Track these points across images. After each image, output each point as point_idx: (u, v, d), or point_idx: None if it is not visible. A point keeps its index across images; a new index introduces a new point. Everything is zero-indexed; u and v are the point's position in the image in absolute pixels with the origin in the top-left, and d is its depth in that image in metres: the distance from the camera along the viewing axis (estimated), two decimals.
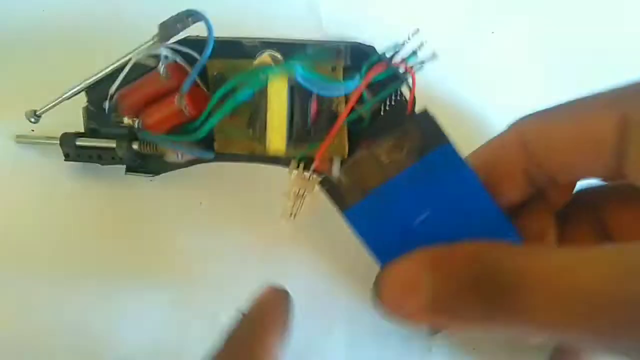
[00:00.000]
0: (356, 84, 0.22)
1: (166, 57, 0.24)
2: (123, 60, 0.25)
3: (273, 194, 0.26)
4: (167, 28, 0.24)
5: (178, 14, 0.24)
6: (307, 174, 0.26)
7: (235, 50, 0.25)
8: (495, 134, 0.25)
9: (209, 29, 0.23)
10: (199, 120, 0.25)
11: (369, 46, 0.23)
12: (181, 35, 0.24)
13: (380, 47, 0.23)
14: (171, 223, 0.30)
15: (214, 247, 0.30)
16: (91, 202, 0.30)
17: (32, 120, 0.28)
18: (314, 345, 0.28)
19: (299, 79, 0.21)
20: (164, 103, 0.24)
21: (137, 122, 0.24)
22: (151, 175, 0.28)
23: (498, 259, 0.20)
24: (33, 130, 0.30)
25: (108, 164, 0.28)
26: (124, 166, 0.29)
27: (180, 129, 0.25)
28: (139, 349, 0.29)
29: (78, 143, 0.28)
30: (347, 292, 0.29)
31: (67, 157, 0.28)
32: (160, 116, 0.24)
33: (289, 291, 0.24)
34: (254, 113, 0.25)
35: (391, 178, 0.24)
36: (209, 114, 0.24)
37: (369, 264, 0.26)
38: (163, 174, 0.29)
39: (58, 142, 0.28)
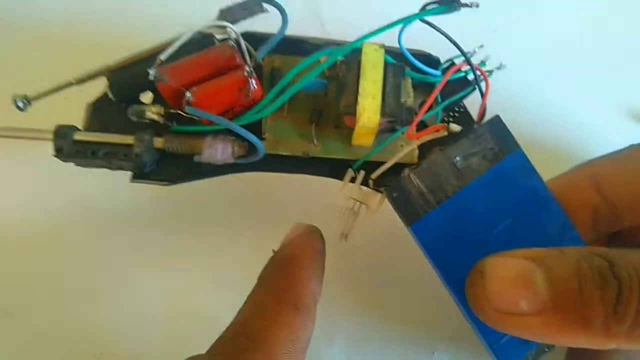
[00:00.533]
0: (439, 75, 0.22)
1: (229, 37, 0.22)
2: (158, 43, 0.23)
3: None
4: (233, 12, 0.23)
5: (246, 1, 0.23)
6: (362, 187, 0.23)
7: (293, 47, 0.24)
8: None
9: (283, 12, 0.22)
10: (251, 112, 0.22)
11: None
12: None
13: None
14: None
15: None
16: None
17: (20, 105, 0.23)
18: (315, 353, 0.27)
19: (402, 46, 0.20)
20: (223, 79, 0.21)
21: (187, 95, 0.20)
22: (167, 183, 0.23)
23: (614, 256, 0.18)
24: None
25: (116, 166, 0.23)
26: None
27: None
28: None
29: (77, 137, 0.22)
30: (348, 299, 0.28)
31: (59, 153, 0.22)
32: (216, 92, 0.21)
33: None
34: (317, 109, 0.23)
35: (467, 185, 0.22)
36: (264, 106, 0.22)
37: (368, 266, 0.26)
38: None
39: (46, 134, 0.22)
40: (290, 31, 0.23)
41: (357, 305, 0.28)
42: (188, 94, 0.21)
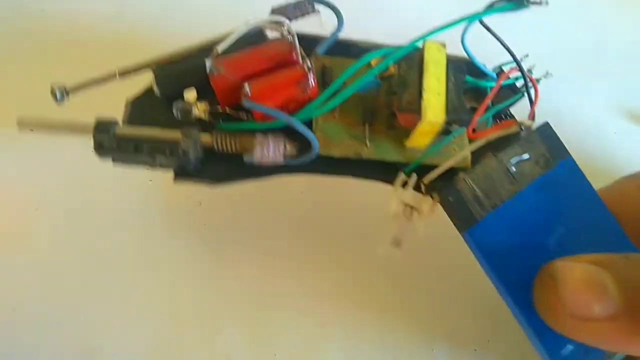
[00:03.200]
0: (495, 79, 0.22)
1: (288, 32, 0.21)
2: (207, 39, 0.22)
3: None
4: (285, 10, 0.22)
5: (298, 0, 0.23)
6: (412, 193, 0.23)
7: (343, 49, 0.23)
8: None
9: (338, 13, 0.22)
10: (303, 111, 0.21)
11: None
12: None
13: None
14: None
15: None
16: None
17: (58, 96, 0.21)
18: (312, 349, 0.26)
19: (465, 46, 0.20)
20: (285, 70, 0.20)
21: (245, 87, 0.20)
22: (213, 183, 0.22)
23: None
24: None
25: (159, 164, 0.21)
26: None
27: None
28: None
29: (119, 132, 0.21)
30: (346, 295, 0.27)
31: (100, 148, 0.21)
32: (274, 86, 0.20)
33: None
34: (369, 109, 0.23)
35: (522, 190, 0.22)
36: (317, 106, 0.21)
37: (367, 264, 0.26)
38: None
39: (86, 128, 0.21)
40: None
41: (355, 301, 0.27)
42: (246, 87, 0.20)
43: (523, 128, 0.20)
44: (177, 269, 0.27)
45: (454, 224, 0.22)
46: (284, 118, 0.20)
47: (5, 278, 0.26)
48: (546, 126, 0.23)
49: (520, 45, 0.26)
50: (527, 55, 0.24)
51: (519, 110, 0.25)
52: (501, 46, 0.22)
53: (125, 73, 0.22)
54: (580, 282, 0.18)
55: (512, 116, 0.24)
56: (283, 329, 0.26)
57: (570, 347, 0.21)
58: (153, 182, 0.28)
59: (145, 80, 0.23)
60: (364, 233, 0.28)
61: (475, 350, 0.27)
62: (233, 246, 0.28)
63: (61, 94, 0.21)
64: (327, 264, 0.27)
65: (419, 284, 0.28)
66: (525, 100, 0.23)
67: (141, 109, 0.23)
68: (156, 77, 0.22)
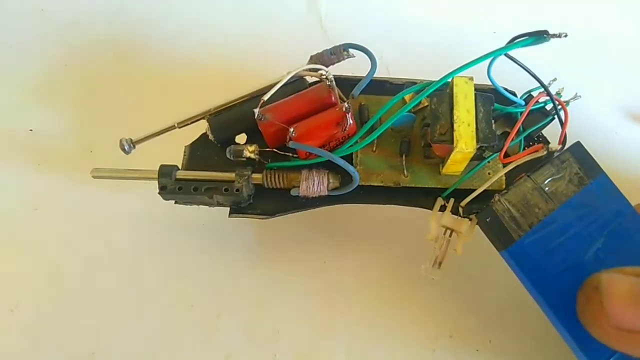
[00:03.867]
0: (524, 105, 0.23)
1: (326, 78, 0.23)
2: (252, 89, 0.25)
3: None
4: (322, 57, 0.25)
5: (335, 47, 0.25)
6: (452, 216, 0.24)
7: (377, 87, 0.25)
8: None
9: (371, 56, 0.24)
10: (344, 147, 0.23)
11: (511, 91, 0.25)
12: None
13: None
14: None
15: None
16: None
17: (126, 148, 0.24)
18: (314, 347, 0.26)
19: (491, 77, 0.21)
20: (325, 112, 0.23)
21: (290, 131, 0.22)
22: (264, 216, 0.24)
23: None
24: None
25: (216, 202, 0.24)
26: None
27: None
28: None
29: (179, 175, 0.24)
30: (349, 294, 0.28)
31: (163, 190, 0.23)
32: (317, 127, 0.22)
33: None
34: (405, 141, 0.24)
35: (557, 208, 0.23)
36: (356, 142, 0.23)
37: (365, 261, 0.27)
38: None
39: (151, 174, 0.24)
40: (294, 37, 0.26)
41: (359, 301, 0.28)
42: (292, 130, 0.22)
43: (549, 151, 0.21)
44: (177, 269, 0.28)
45: (493, 244, 0.23)
46: (326, 155, 0.22)
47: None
48: (578, 145, 0.24)
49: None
50: (555, 79, 0.25)
51: (552, 131, 0.26)
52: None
53: (183, 124, 0.24)
54: (626, 295, 0.19)
55: (544, 138, 0.25)
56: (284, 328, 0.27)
57: (613, 358, 0.21)
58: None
59: (200, 127, 0.25)
60: (398, 251, 0.29)
61: (477, 350, 0.27)
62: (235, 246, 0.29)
63: (129, 146, 0.24)
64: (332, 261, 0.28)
65: (422, 286, 0.28)
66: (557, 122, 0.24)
67: (198, 152, 0.25)
68: (211, 125, 0.24)
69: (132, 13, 0.36)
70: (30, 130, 0.31)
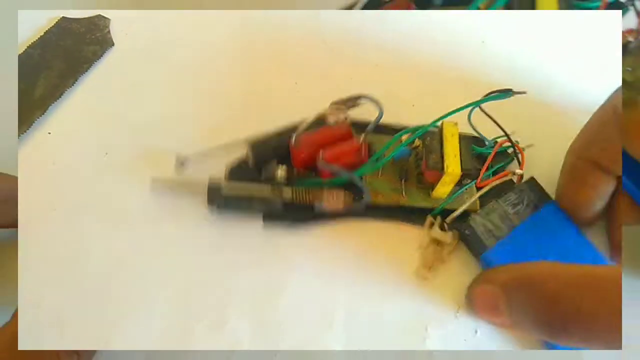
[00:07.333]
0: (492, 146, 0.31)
1: (345, 118, 0.31)
2: (285, 125, 0.31)
3: None
4: (342, 103, 0.32)
5: (350, 96, 0.32)
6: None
7: (382, 129, 0.33)
8: None
9: (379, 106, 0.31)
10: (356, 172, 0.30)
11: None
12: None
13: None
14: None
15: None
16: None
17: (180, 165, 0.30)
18: (313, 339, 0.28)
19: (470, 122, 0.29)
20: (345, 143, 0.29)
21: (321, 154, 0.29)
22: (291, 224, 0.30)
23: None
24: None
25: (253, 211, 0.30)
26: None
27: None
28: None
29: (226, 189, 0.30)
30: (346, 286, 0.29)
31: (211, 201, 0.29)
32: (341, 153, 0.29)
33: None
34: (404, 170, 0.31)
35: (517, 225, 0.30)
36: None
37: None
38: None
39: (200, 187, 0.30)
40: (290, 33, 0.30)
41: (355, 286, 0.29)
42: (322, 153, 0.29)
43: (514, 177, 0.29)
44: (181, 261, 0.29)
45: (471, 252, 0.30)
46: (348, 175, 0.28)
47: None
48: (532, 180, 0.31)
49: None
50: (513, 132, 0.33)
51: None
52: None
53: (227, 149, 0.30)
54: (479, 304, 0.28)
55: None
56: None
57: None
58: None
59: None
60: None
61: (464, 340, 0.28)
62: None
63: (182, 163, 0.30)
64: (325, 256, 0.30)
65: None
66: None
67: (236, 172, 0.31)
68: (251, 152, 0.30)
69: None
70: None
